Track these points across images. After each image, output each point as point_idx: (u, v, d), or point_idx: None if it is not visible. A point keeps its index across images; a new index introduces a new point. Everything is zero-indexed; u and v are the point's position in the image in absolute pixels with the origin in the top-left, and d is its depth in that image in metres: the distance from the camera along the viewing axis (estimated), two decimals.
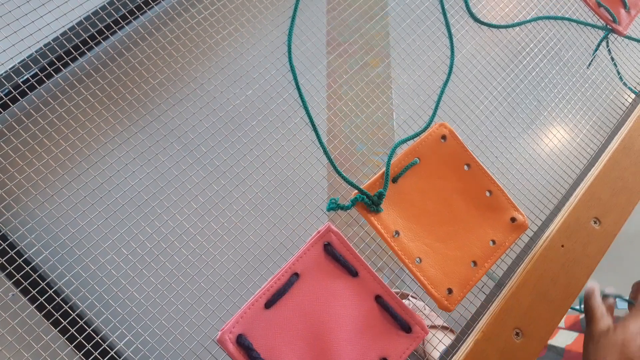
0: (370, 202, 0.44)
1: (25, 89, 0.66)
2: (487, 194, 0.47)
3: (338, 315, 0.41)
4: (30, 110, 0.64)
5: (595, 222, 0.48)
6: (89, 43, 0.68)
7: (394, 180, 0.46)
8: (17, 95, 0.66)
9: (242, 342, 0.37)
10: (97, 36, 0.68)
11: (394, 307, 0.42)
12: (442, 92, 0.48)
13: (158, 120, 0.65)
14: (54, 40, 0.68)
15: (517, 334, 0.44)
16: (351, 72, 0.71)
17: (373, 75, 0.71)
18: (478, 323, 0.44)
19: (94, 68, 0.69)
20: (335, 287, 0.42)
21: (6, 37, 0.63)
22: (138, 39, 0.67)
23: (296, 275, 0.41)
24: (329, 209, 0.44)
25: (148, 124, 0.64)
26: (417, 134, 0.48)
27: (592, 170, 0.51)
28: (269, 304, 0.39)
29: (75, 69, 0.68)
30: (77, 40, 0.68)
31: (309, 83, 0.63)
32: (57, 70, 0.66)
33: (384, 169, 0.45)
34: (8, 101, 0.66)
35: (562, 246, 0.47)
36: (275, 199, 0.44)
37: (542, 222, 0.49)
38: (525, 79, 0.56)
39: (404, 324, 0.42)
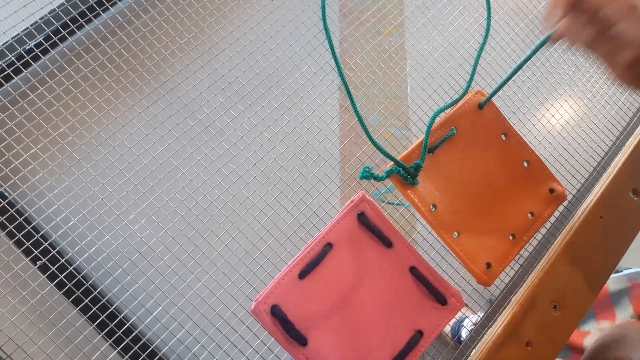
0: (406, 175, 0.42)
1: (30, 59, 0.63)
2: (525, 164, 0.45)
3: (372, 286, 0.39)
4: (35, 82, 0.61)
5: (633, 194, 0.46)
6: (97, 9, 0.64)
7: (430, 151, 0.43)
8: (20, 66, 0.62)
9: (277, 313, 0.35)
10: (106, 2, 0.64)
11: (429, 279, 0.41)
12: (478, 56, 0.45)
13: (170, 92, 0.62)
14: (59, 6, 0.64)
15: (554, 306, 0.42)
16: (363, 41, 0.68)
17: (386, 44, 0.68)
18: (514, 295, 0.43)
19: (101, 37, 0.65)
20: (370, 258, 0.40)
21: (7, 2, 0.60)
22: (148, 6, 0.64)
23: (330, 245, 0.39)
24: (362, 178, 0.42)
25: (160, 98, 0.61)
26: (454, 102, 0.45)
27: (630, 139, 0.49)
28: (302, 275, 0.37)
29: (82, 37, 0.65)
30: (83, 7, 0.64)
31: (318, 53, 0.60)
32: (63, 39, 0.63)
33: (419, 139, 0.43)
34: (11, 73, 0.62)
35: (601, 217, 0.45)
36: (308, 166, 0.42)
37: (578, 192, 0.48)
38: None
39: (439, 296, 0.40)
